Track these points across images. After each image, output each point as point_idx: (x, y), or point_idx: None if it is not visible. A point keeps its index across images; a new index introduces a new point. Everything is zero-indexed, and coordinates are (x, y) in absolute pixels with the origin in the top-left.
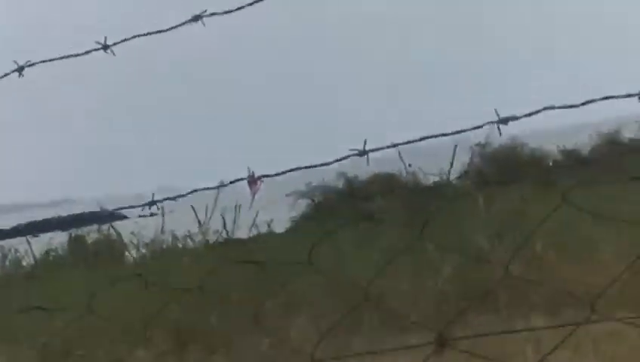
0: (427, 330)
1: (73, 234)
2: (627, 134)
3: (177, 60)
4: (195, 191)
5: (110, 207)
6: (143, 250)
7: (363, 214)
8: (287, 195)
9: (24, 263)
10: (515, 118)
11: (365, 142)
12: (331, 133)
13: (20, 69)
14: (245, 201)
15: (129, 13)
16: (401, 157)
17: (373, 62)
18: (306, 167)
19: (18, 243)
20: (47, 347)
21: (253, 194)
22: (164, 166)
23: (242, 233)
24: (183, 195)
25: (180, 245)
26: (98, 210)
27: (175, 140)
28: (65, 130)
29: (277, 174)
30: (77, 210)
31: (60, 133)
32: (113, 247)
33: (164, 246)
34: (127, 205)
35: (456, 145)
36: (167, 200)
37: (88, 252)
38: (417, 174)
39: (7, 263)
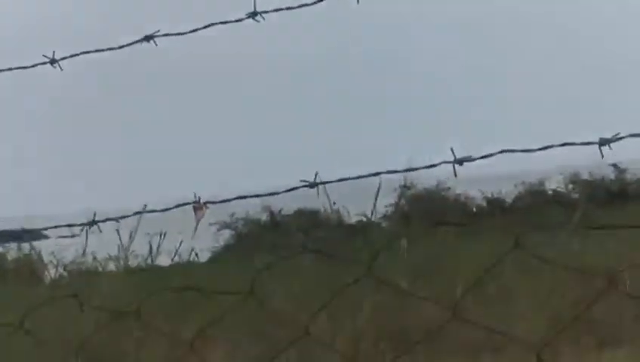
0: None
1: None
2: (551, 185)
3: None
4: (139, 212)
5: (31, 226)
6: (62, 271)
7: (284, 248)
8: (210, 224)
9: None
10: (470, 160)
11: (316, 175)
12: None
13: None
14: (171, 227)
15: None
16: (327, 194)
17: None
18: (255, 196)
19: None
20: None
21: (198, 220)
22: (92, 188)
23: (165, 260)
24: (126, 216)
25: (100, 268)
26: (18, 228)
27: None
28: None
29: (223, 201)
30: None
31: None
32: (33, 266)
33: (84, 267)
34: (50, 225)
35: (379, 185)
36: (109, 221)
37: (7, 269)
38: (341, 212)
39: None
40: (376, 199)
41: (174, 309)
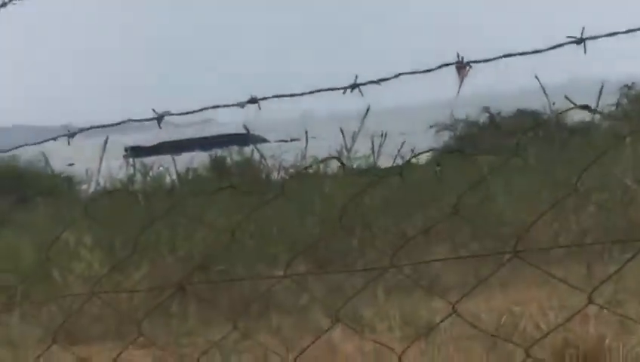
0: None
1: (214, 155)
2: None
3: None
4: (400, 74)
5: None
6: (283, 174)
7: (505, 149)
8: (430, 127)
9: (166, 180)
10: None
11: (583, 30)
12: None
13: None
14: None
15: None
16: (545, 94)
17: None
18: (520, 54)
19: (159, 161)
20: (186, 260)
21: (461, 80)
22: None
23: (387, 161)
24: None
25: (321, 170)
26: (238, 132)
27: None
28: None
29: (487, 60)
30: (216, 131)
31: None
32: (253, 169)
33: (304, 170)
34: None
35: (602, 85)
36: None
37: (229, 172)
38: (561, 112)
39: (148, 179)
40: (598, 99)
41: (395, 208)
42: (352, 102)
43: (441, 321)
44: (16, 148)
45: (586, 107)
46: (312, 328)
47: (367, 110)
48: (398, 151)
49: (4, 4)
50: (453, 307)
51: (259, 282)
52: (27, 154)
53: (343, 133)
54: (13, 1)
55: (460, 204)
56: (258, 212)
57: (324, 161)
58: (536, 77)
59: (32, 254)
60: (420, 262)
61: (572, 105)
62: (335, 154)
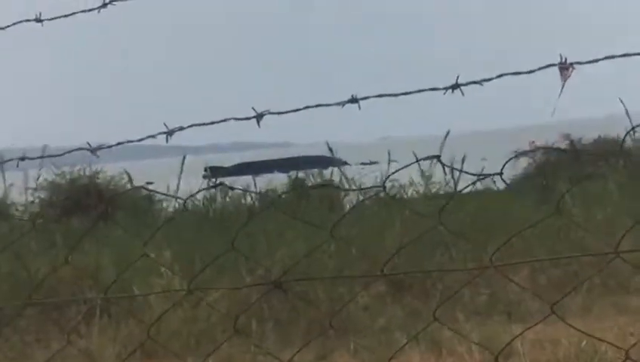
0: None
1: (293, 176)
2: None
3: None
4: (502, 75)
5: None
6: (361, 197)
7: (586, 177)
8: (510, 153)
9: (245, 200)
10: None
11: None
12: None
13: None
14: (470, 151)
15: None
16: (629, 118)
17: None
18: (622, 55)
19: (238, 182)
20: (266, 278)
21: (564, 80)
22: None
23: (464, 186)
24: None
25: (401, 194)
26: (319, 154)
27: None
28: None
29: (591, 61)
30: (295, 153)
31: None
32: (332, 192)
33: (383, 194)
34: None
35: None
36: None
37: (308, 194)
38: None
39: (227, 199)
40: None
41: (471, 231)
42: (432, 127)
43: (537, 323)
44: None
45: None
46: (391, 349)
47: (447, 133)
48: (478, 176)
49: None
50: (551, 307)
51: (338, 303)
52: (109, 172)
53: (416, 157)
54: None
55: (538, 229)
56: (339, 231)
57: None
58: (621, 100)
59: (112, 269)
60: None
61: None
62: (414, 178)
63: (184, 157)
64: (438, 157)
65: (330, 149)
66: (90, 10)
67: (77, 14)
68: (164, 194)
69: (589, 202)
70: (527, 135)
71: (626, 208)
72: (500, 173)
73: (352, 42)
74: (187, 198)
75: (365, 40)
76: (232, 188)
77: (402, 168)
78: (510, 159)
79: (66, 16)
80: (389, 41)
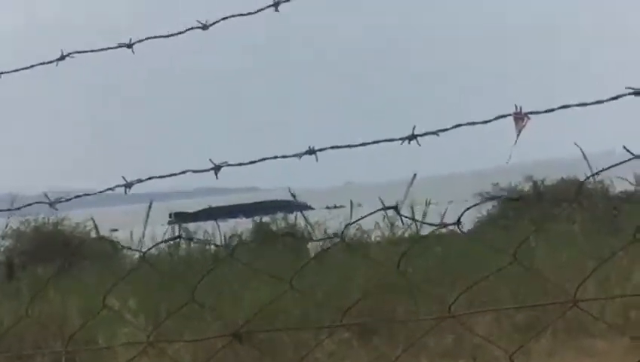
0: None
1: (258, 221)
2: None
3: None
4: (459, 125)
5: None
6: (327, 241)
7: (549, 218)
8: (474, 195)
9: (210, 246)
10: None
11: None
12: None
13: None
14: (437, 194)
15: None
16: (587, 162)
17: None
18: (578, 105)
19: (203, 227)
20: (231, 326)
21: (519, 131)
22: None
23: (429, 229)
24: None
25: (365, 238)
26: (283, 199)
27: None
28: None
29: (546, 111)
30: (260, 198)
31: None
32: (297, 236)
33: (348, 238)
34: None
35: None
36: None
37: (273, 239)
38: (605, 181)
39: (192, 245)
40: None
41: (436, 274)
42: (398, 171)
43: None
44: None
45: None
46: None
47: (414, 177)
48: (441, 219)
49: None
50: (510, 357)
51: (303, 349)
52: (75, 219)
53: (382, 203)
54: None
55: (504, 272)
56: (302, 279)
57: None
58: (576, 144)
59: (77, 318)
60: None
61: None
62: (379, 222)
63: (150, 205)
64: (395, 207)
65: (293, 195)
66: (49, 62)
67: (36, 67)
68: (125, 247)
69: (553, 243)
70: (491, 177)
71: (589, 249)
72: (458, 223)
73: (316, 90)
74: (146, 251)
75: (328, 85)
76: (190, 239)
77: (361, 218)
78: (469, 208)
79: (24, 68)
80: (351, 89)
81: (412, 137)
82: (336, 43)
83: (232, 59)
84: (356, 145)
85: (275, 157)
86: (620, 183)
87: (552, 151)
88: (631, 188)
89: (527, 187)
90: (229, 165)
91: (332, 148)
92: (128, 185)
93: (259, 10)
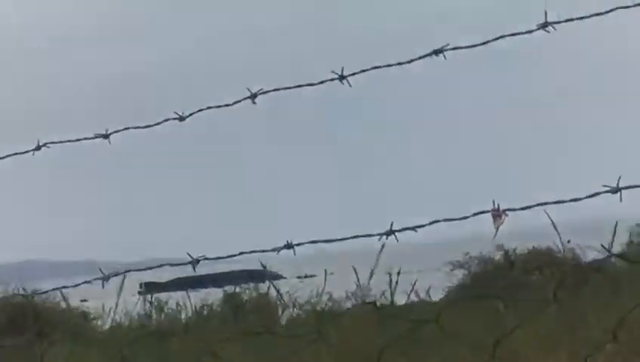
0: None
1: (229, 291)
2: None
3: None
4: (436, 221)
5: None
6: (298, 311)
7: (520, 288)
8: (444, 264)
9: (181, 316)
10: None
11: (619, 179)
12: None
13: (253, 97)
14: (407, 263)
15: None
16: (557, 232)
17: None
18: (556, 202)
19: (174, 297)
20: None
21: (497, 228)
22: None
23: (401, 298)
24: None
25: (337, 307)
26: (254, 268)
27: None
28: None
29: (524, 208)
30: (231, 268)
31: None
32: (269, 306)
33: (319, 307)
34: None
35: (617, 223)
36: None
37: (244, 309)
38: (576, 250)
39: (162, 316)
40: (614, 236)
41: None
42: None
43: None
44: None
45: None
46: None
47: (382, 247)
48: (412, 288)
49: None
50: None
51: None
52: (45, 290)
53: (356, 272)
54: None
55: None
56: (273, 349)
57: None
58: (546, 213)
59: None
60: None
61: (586, 244)
62: (351, 291)
63: (124, 278)
64: (373, 303)
65: (264, 265)
66: (25, 152)
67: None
68: (96, 318)
69: (525, 313)
70: (462, 246)
71: (561, 319)
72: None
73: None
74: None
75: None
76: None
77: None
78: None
79: (2, 158)
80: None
81: (390, 233)
82: None
83: (206, 146)
84: (334, 240)
85: (253, 251)
86: (591, 252)
87: (522, 220)
88: (600, 256)
89: (498, 256)
90: (207, 258)
91: (311, 242)
92: (106, 278)
93: (236, 103)
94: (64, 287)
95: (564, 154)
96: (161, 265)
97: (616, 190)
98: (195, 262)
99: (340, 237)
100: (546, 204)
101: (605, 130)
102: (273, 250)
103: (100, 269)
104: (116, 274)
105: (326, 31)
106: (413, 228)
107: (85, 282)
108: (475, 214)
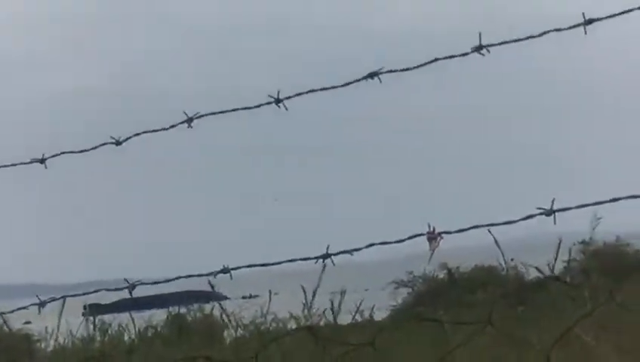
0: None
1: (173, 312)
2: None
3: None
4: (372, 245)
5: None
6: (242, 331)
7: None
8: (388, 283)
9: (125, 338)
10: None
11: (553, 202)
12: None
13: (190, 120)
14: (352, 282)
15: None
16: (500, 250)
17: None
18: (489, 225)
19: (118, 318)
20: None
21: (433, 250)
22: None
23: (346, 318)
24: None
25: (280, 327)
26: (199, 289)
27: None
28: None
29: (459, 231)
30: (176, 288)
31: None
32: (213, 327)
33: (263, 327)
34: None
35: (560, 241)
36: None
37: (188, 330)
38: (519, 268)
39: (106, 338)
40: (557, 253)
41: None
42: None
43: None
44: None
45: None
46: None
47: (324, 267)
48: (357, 308)
49: None
50: None
51: None
52: None
53: (304, 291)
54: None
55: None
56: None
57: None
58: (490, 231)
59: None
60: None
61: (528, 262)
62: (294, 311)
63: (64, 300)
64: (314, 333)
65: (212, 285)
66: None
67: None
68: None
69: (466, 333)
70: (406, 265)
71: (501, 339)
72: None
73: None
74: None
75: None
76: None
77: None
78: None
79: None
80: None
81: (326, 256)
82: None
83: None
84: (271, 264)
85: (190, 275)
86: (533, 271)
87: (465, 239)
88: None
89: (441, 274)
90: (143, 283)
91: (248, 266)
92: (42, 304)
93: (172, 127)
94: (2, 313)
95: (503, 175)
96: (97, 290)
97: (550, 212)
98: (131, 287)
99: (276, 261)
100: (479, 226)
101: (543, 151)
102: (210, 274)
103: (37, 296)
104: (53, 300)
105: (272, 51)
106: (350, 252)
107: (21, 308)
108: (410, 237)
